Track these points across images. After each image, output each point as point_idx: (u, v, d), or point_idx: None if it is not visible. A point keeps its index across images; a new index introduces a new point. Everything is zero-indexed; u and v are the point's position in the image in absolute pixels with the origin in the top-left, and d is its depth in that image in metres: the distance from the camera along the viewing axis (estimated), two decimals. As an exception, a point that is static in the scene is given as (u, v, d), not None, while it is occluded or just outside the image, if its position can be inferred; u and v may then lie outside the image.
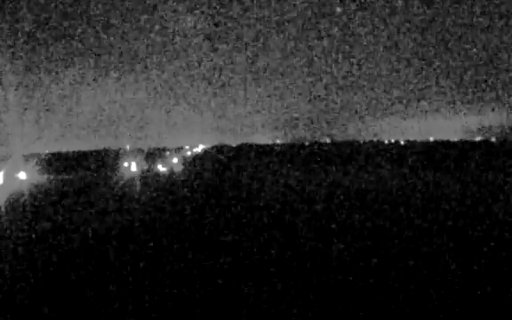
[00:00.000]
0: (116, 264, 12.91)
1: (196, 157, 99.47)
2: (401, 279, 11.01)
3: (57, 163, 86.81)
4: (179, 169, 58.18)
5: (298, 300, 9.81)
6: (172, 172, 52.13)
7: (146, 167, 60.86)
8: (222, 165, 65.29)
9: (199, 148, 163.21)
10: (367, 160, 69.00)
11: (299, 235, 16.27)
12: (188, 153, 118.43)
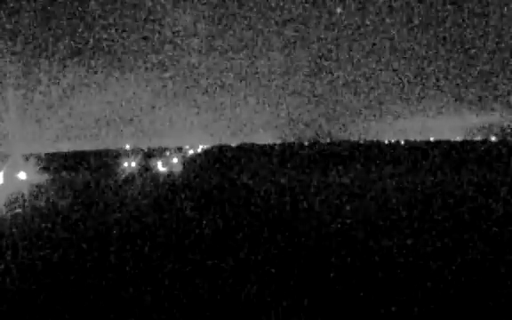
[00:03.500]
0: (115, 265, 12.91)
1: (196, 157, 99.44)
2: (401, 280, 11.01)
3: (57, 163, 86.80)
4: (179, 169, 58.13)
5: (298, 301, 9.80)
6: (171, 172, 52.11)
7: (146, 167, 60.86)
8: (222, 165, 65.28)
9: (199, 148, 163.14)
10: (367, 160, 69.01)
11: (299, 235, 16.26)
12: (188, 153, 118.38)
